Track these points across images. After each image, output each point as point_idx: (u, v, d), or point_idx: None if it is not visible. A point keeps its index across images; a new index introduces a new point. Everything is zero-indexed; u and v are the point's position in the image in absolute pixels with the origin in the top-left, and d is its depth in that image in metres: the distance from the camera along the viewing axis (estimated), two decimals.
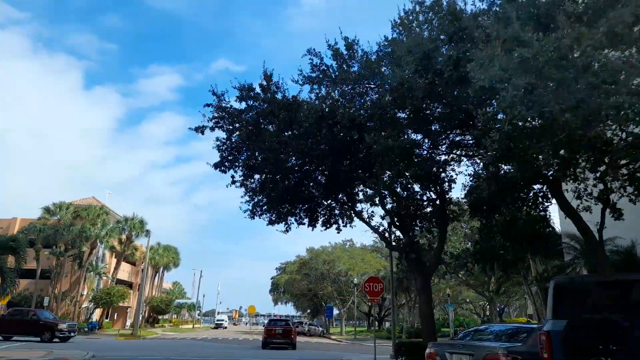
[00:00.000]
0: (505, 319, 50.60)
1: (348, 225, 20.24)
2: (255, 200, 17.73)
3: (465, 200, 15.42)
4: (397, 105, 11.96)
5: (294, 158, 15.43)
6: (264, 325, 34.96)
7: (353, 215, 19.82)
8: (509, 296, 49.37)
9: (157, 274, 63.75)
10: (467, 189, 14.61)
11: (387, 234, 18.36)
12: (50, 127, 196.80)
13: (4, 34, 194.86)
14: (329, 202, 19.69)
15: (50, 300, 40.17)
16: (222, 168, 15.24)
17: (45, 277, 41.95)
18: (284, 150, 14.12)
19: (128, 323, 56.21)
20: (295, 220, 19.69)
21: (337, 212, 20.36)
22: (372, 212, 19.19)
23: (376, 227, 18.53)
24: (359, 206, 19.47)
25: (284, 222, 19.35)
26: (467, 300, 76.69)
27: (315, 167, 15.90)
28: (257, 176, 16.47)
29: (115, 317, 52.90)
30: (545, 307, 23.05)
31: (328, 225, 20.36)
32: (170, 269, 64.39)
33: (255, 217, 17.75)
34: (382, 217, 17.70)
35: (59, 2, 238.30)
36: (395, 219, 17.40)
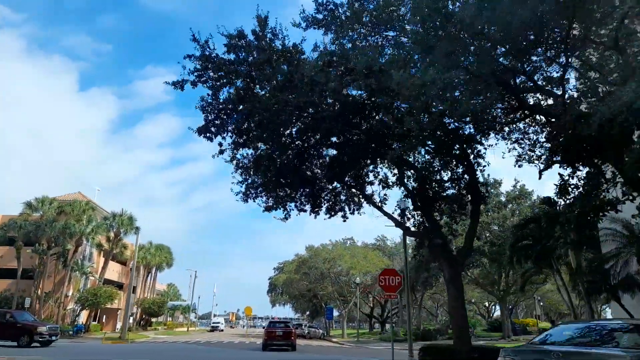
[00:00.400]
0: (513, 320, 48.08)
1: (356, 212, 17.77)
2: (249, 181, 15.23)
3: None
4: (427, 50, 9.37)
5: (294, 126, 12.87)
6: (263, 327, 34.61)
7: (362, 200, 17.34)
8: (517, 297, 46.97)
9: (150, 275, 61.04)
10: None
11: (404, 219, 15.86)
12: (47, 128, 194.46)
13: (0, 35, 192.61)
14: (333, 185, 17.20)
15: (32, 302, 37.48)
16: (208, 134, 12.59)
17: (28, 277, 39.25)
18: (282, 111, 11.56)
19: (118, 326, 53.43)
20: (296, 206, 17.21)
21: (342, 197, 17.91)
22: (385, 195, 16.67)
23: (391, 213, 16.05)
24: (369, 189, 17.02)
25: (282, 208, 16.87)
26: (472, 300, 74.36)
27: (321, 136, 13.34)
28: (250, 151, 13.95)
29: (104, 320, 50.20)
30: (587, 302, 20.56)
31: (332, 213, 17.91)
32: (163, 269, 61.73)
33: (248, 199, 15.24)
34: (403, 198, 15.21)
35: (54, 3, 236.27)
36: (417, 199, 14.89)
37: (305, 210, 17.36)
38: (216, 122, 12.53)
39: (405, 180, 15.01)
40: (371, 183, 16.34)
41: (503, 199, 41.05)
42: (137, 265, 56.80)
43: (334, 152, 14.41)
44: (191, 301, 70.36)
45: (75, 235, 38.26)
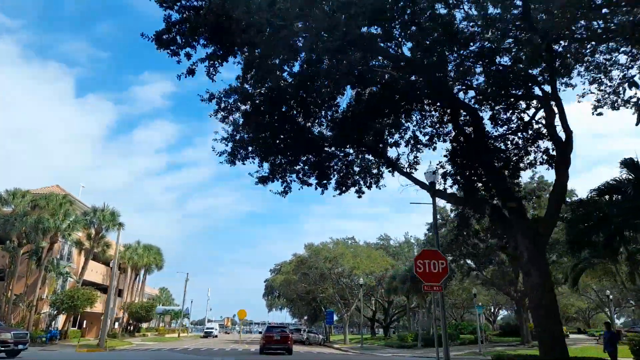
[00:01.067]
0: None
1: (374, 185, 14.17)
2: (238, 137, 11.64)
3: None
4: None
5: (299, 37, 9.21)
6: (259, 333, 36.65)
7: (382, 169, 13.76)
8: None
9: (138, 277, 57.07)
10: None
11: (445, 182, 12.25)
12: (43, 134, 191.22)
13: None
14: (345, 151, 13.62)
15: (1, 305, 33.62)
16: (171, 44, 8.93)
17: None
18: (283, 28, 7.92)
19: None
20: (298, 177, 13.61)
21: (356, 168, 14.32)
22: (416, 157, 13.05)
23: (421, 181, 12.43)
24: (393, 151, 13.47)
25: (280, 179, 13.28)
26: (479, 303, 70.73)
27: (333, 58, 9.62)
28: (237, 86, 10.26)
29: (85, 325, 46.19)
30: None
31: (343, 188, 14.35)
32: (152, 271, 57.79)
33: (236, 161, 11.65)
34: (446, 156, 11.57)
35: (51, 10, 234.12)
36: (468, 154, 11.26)
37: (309, 184, 13.81)
38: (185, 17, 8.85)
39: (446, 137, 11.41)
40: (396, 144, 12.75)
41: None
42: (123, 266, 53.00)
43: (356, 80, 10.76)
44: (183, 305, 66.33)
45: (50, 231, 34.42)
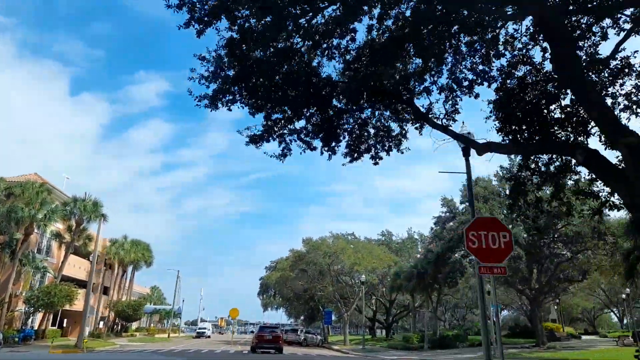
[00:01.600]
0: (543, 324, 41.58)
1: (394, 148, 11.37)
2: (223, 75, 8.81)
3: None
4: None
5: None
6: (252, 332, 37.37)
7: (407, 126, 10.97)
8: (547, 297, 40.59)
9: (125, 274, 54.00)
10: None
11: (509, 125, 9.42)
12: (37, 134, 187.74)
13: None
14: (360, 104, 10.80)
15: None
16: None
17: None
18: None
19: (86, 332, 46.44)
20: (300, 138, 10.81)
21: (371, 130, 11.53)
22: (455, 105, 10.19)
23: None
24: (422, 99, 10.70)
25: (277, 139, 10.49)
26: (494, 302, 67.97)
27: None
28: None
29: (65, 324, 43.10)
30: None
31: (355, 155, 11.57)
32: (140, 268, 54.72)
33: (218, 104, 8.84)
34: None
35: (45, 8, 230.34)
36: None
37: (313, 148, 11.02)
38: None
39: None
40: (427, 91, 9.91)
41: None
42: (109, 262, 49.99)
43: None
44: (173, 304, 63.26)
45: (24, 222, 31.44)
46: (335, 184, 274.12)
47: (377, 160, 11.40)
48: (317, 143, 11.17)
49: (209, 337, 67.48)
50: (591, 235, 30.61)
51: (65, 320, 42.53)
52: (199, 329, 72.51)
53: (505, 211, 35.06)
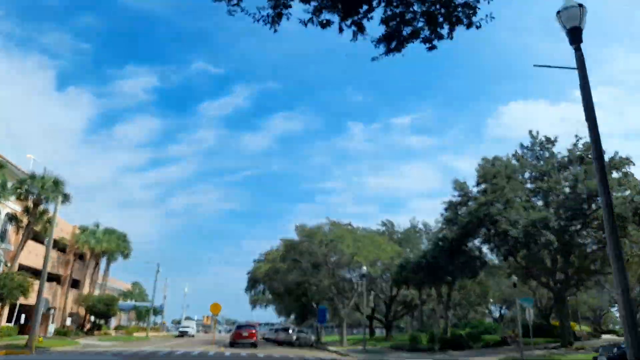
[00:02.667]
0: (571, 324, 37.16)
1: (464, 19, 6.77)
2: None
3: None
4: None
5: None
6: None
7: None
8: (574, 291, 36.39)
9: (98, 266, 48.82)
10: None
11: None
12: (21, 127, 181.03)
13: None
14: None
15: None
16: None
17: None
18: None
19: (51, 329, 41.34)
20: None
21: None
22: None
23: None
24: None
25: None
26: (491, 300, 63.83)
27: None
28: None
29: (23, 320, 37.75)
30: None
31: (396, 38, 6.92)
32: (115, 259, 49.63)
33: None
34: None
35: (32, 0, 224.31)
36: None
37: (327, 23, 6.49)
38: None
39: None
40: None
41: (565, 154, 30.68)
42: (78, 251, 44.86)
43: None
44: (153, 300, 58.10)
45: None
46: (325, 181, 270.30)
47: (436, 40, 6.88)
48: (334, 17, 6.69)
49: (192, 336, 62.70)
50: (632, 219, 26.39)
51: (23, 315, 37.29)
52: (182, 327, 67.69)
53: (528, 192, 30.86)
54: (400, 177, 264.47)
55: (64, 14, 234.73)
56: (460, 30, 7.07)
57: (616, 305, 70.49)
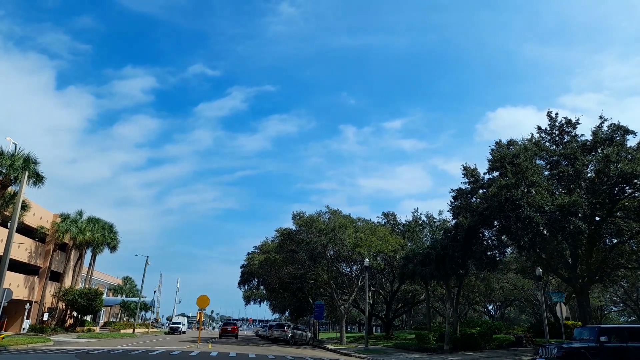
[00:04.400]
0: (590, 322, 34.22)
1: None
2: None
3: None
4: None
5: None
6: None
7: None
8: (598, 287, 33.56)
9: (81, 258, 45.71)
10: None
11: None
12: (21, 126, 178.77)
13: None
14: None
15: None
16: None
17: None
18: None
19: (26, 325, 38.30)
20: None
21: None
22: None
23: None
24: None
25: None
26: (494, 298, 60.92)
27: None
28: None
29: None
30: None
31: None
32: (101, 251, 46.54)
33: None
34: None
35: (31, 1, 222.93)
36: None
37: None
38: None
39: None
40: None
41: (589, 138, 27.82)
42: (58, 241, 41.72)
43: None
44: (140, 294, 55.03)
45: None
46: (319, 182, 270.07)
47: None
48: None
49: (184, 332, 60.11)
50: None
51: None
52: (172, 324, 65.04)
53: (549, 176, 27.97)
54: (391, 179, 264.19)
55: (63, 16, 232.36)
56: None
57: (621, 305, 67.72)
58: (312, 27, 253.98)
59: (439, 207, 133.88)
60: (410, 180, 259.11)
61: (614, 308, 75.08)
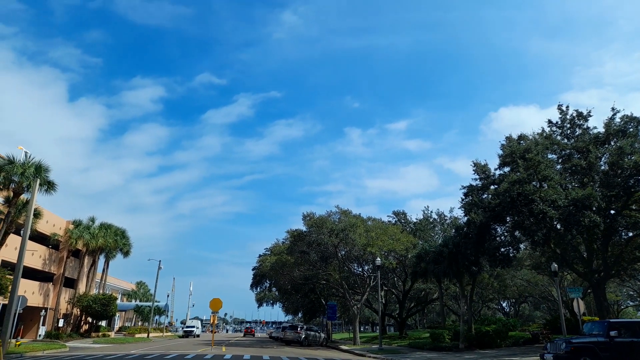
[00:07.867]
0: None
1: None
2: None
3: None
4: None
5: None
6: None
7: None
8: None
9: (95, 264, 46.06)
10: None
11: None
12: (35, 138, 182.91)
13: None
14: None
15: None
16: None
17: None
18: None
19: (42, 332, 38.67)
20: None
21: None
22: None
23: None
24: None
25: None
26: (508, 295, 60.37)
27: None
28: None
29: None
30: None
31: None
32: (114, 257, 46.87)
33: None
34: None
35: (43, 17, 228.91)
36: None
37: None
38: None
39: None
40: None
41: (601, 130, 27.39)
42: (71, 248, 42.09)
43: None
44: (154, 298, 55.32)
45: None
46: (325, 184, 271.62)
47: None
48: None
49: (198, 336, 60.26)
50: None
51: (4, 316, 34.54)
52: (186, 327, 65.19)
53: (562, 170, 27.58)
54: (397, 179, 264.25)
55: (74, 31, 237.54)
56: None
57: (638, 300, 66.64)
58: (315, 31, 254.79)
59: (447, 206, 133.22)
60: (416, 180, 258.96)
61: (630, 302, 73.90)
